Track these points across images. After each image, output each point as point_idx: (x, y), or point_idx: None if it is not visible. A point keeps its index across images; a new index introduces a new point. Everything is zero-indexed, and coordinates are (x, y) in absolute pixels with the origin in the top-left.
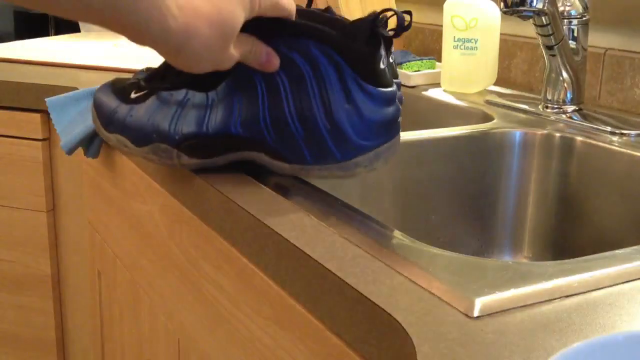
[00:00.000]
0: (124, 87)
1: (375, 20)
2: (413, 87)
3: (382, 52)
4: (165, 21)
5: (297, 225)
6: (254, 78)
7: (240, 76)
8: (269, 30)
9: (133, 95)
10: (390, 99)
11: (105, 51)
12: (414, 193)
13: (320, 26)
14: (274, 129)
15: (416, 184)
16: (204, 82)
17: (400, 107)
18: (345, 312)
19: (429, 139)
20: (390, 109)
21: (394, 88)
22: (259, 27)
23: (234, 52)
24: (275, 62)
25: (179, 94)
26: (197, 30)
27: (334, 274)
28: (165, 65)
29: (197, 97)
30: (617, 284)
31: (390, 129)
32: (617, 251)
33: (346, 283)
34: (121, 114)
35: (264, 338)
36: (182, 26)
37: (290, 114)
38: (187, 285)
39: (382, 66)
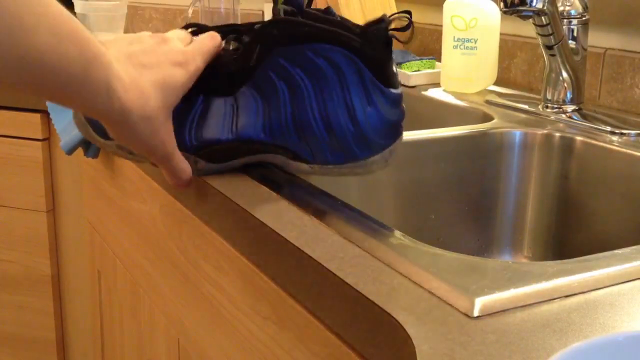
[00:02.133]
0: None
1: (389, 27)
2: (413, 87)
3: (393, 55)
4: (110, 102)
5: (297, 225)
6: (277, 84)
7: (261, 81)
8: (297, 37)
9: None
10: (400, 100)
11: None
12: (413, 193)
13: (345, 33)
14: (296, 133)
15: (416, 184)
16: (222, 86)
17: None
18: (345, 312)
19: (428, 139)
20: (400, 109)
21: (401, 89)
22: (287, 34)
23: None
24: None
25: (197, 100)
26: (136, 105)
27: (334, 274)
28: None
29: (217, 102)
30: (617, 284)
31: (400, 127)
32: (617, 251)
33: (346, 283)
34: None
35: (264, 338)
36: (125, 104)
37: (314, 119)
38: (187, 285)
39: (394, 69)
